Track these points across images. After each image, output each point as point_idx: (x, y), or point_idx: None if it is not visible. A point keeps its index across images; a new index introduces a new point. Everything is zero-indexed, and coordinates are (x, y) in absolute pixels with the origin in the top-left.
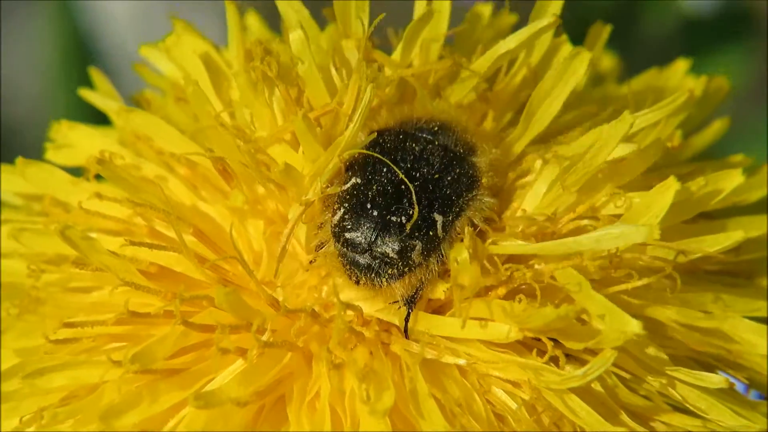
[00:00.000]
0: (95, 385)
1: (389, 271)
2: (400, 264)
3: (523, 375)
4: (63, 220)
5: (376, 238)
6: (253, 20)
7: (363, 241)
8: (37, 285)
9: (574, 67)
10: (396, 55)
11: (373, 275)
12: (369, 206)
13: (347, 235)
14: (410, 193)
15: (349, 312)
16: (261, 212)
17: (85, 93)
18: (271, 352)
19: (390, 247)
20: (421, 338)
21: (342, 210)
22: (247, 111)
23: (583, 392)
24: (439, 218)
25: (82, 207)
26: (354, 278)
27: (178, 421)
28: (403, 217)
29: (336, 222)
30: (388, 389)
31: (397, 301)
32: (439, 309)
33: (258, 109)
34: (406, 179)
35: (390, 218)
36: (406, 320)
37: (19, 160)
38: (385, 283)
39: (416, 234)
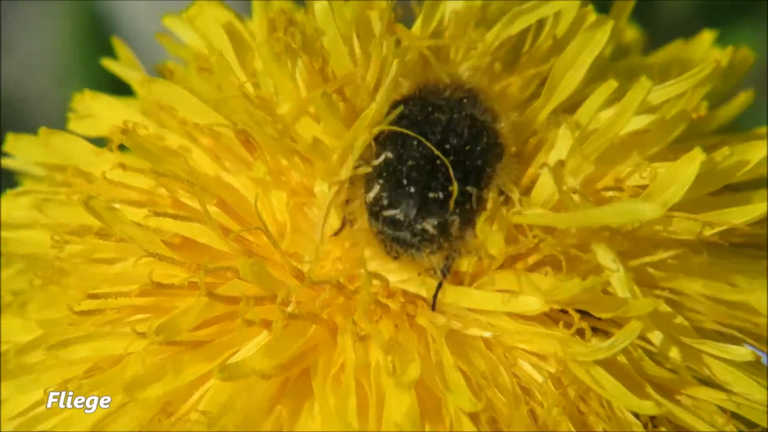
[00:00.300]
0: (119, 357)
1: (429, 247)
2: (440, 239)
3: (549, 347)
4: (86, 191)
5: (416, 215)
6: None
7: (402, 218)
8: (61, 256)
9: (598, 36)
10: (416, 27)
11: (413, 251)
12: (405, 182)
13: (386, 212)
14: (444, 167)
15: (375, 283)
16: (284, 183)
17: (108, 63)
18: (296, 324)
19: (430, 223)
20: (447, 310)
21: (378, 186)
22: (270, 82)
23: (609, 365)
24: (473, 191)
25: (106, 177)
26: (393, 254)
27: (203, 394)
28: (440, 193)
29: (372, 199)
30: (413, 361)
31: (426, 272)
32: (465, 281)
33: (281, 81)
34: (440, 154)
35: (428, 194)
36: (437, 292)
37: (42, 130)
38: (425, 258)
39: (454, 209)
